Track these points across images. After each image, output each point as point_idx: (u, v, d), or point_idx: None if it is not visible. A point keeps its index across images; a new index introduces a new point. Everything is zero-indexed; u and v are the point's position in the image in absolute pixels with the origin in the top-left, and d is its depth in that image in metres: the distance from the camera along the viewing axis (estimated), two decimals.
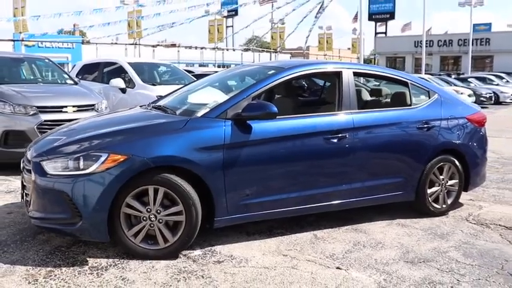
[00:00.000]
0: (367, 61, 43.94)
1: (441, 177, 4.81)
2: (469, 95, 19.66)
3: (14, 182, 5.86)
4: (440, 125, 4.76)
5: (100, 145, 3.55)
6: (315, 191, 4.15)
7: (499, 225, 4.61)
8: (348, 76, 4.46)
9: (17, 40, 28.48)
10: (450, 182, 4.88)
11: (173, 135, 3.66)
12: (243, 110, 3.81)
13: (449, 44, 40.78)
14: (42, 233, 4.02)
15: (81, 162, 3.44)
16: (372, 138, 4.39)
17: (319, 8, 43.50)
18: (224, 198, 3.72)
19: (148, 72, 10.05)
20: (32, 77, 8.33)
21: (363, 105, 4.86)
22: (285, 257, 3.71)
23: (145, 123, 3.92)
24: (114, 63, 10.05)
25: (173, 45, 42.78)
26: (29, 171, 3.70)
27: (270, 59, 42.86)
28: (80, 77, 9.80)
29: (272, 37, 49.17)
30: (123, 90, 9.13)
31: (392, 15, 43.65)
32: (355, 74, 4.67)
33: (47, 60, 8.63)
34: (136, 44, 36.80)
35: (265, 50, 51.20)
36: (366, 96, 5.31)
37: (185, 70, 12.23)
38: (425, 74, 27.44)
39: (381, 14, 43.80)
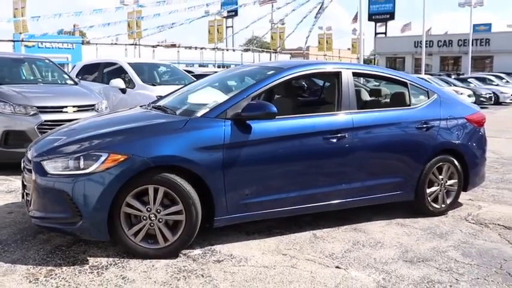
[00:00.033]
0: (367, 61, 43.88)
1: (440, 177, 4.82)
2: (469, 96, 19.66)
3: (15, 182, 5.87)
4: (439, 125, 4.77)
5: (100, 145, 3.57)
6: (314, 191, 4.16)
7: (498, 224, 4.63)
8: (347, 76, 4.47)
9: (17, 40, 28.50)
10: (449, 182, 4.90)
11: (173, 135, 3.67)
12: (243, 110, 3.82)
13: (449, 44, 40.77)
14: (42, 233, 4.03)
15: (82, 162, 3.46)
16: (371, 138, 4.41)
17: (319, 8, 43.51)
18: (224, 198, 3.74)
19: (148, 73, 10.06)
20: (32, 78, 8.34)
21: (362, 105, 4.88)
22: (285, 256, 3.72)
23: (145, 123, 3.93)
24: (114, 64, 10.06)
25: (173, 46, 42.80)
26: (29, 171, 3.71)
27: (270, 60, 42.80)
28: (80, 78, 9.80)
29: (272, 37, 49.22)
30: (123, 91, 9.14)
31: (392, 16, 43.56)
32: (355, 74, 4.68)
33: (47, 61, 8.64)
34: (136, 45, 36.82)
35: (265, 50, 51.21)
36: (366, 96, 5.33)
37: (185, 70, 12.23)
38: (425, 74, 27.44)
39: (381, 15, 43.70)
